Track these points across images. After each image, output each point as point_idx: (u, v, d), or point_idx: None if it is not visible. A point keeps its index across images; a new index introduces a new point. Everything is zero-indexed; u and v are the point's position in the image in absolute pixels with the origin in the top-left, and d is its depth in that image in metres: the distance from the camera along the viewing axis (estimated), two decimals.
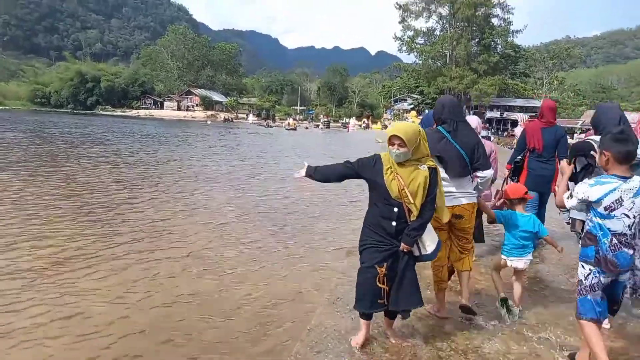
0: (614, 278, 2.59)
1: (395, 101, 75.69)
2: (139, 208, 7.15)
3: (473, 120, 4.49)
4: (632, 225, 2.50)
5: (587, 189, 2.55)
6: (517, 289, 3.55)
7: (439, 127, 3.31)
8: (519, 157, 5.23)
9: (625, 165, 2.50)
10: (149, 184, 9.58)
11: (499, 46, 56.70)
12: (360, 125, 53.76)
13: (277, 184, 10.31)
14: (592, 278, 2.56)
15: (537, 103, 56.82)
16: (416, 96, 66.83)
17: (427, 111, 14.24)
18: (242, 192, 9.19)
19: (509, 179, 5.32)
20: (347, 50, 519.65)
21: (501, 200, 4.07)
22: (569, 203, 2.69)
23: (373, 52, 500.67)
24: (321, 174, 3.01)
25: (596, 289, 2.55)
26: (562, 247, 3.61)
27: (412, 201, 2.67)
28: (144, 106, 76.68)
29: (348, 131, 46.84)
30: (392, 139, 2.68)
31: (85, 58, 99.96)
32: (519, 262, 3.49)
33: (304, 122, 63.00)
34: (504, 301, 3.46)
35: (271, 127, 46.56)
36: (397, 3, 56.35)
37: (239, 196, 8.75)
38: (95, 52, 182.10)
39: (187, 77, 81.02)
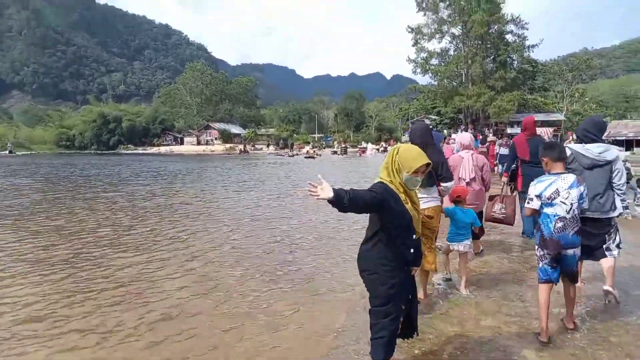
0: (560, 252, 3.42)
1: (413, 123, 75.17)
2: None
3: (466, 136, 5.77)
4: (570, 210, 3.35)
5: (532, 188, 3.50)
6: (462, 269, 4.60)
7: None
8: (513, 166, 6.42)
9: (559, 164, 3.46)
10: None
11: (515, 62, 55.78)
12: (377, 149, 53.24)
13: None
14: (540, 252, 3.51)
15: (559, 116, 55.44)
16: (434, 117, 66.10)
17: (445, 131, 15.87)
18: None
19: (507, 185, 6.41)
20: (363, 76, 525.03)
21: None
22: (531, 205, 3.51)
23: (389, 76, 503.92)
24: (354, 204, 2.34)
25: (545, 259, 3.48)
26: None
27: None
28: (164, 143, 78.14)
29: (360, 155, 46.39)
30: (421, 168, 2.62)
31: (108, 100, 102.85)
32: (459, 246, 4.58)
33: (325, 148, 62.99)
34: (448, 280, 4.79)
35: (292, 156, 46.50)
36: (409, 26, 56.49)
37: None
38: (119, 94, 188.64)
39: (206, 112, 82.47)
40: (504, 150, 14.23)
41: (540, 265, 3.51)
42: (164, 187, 16.53)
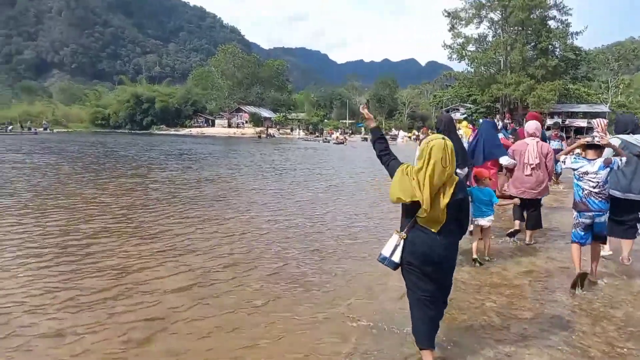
0: (591, 219, 4.36)
1: (447, 111, 73.12)
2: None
3: (532, 124, 6.19)
4: (596, 185, 4.27)
5: (569, 162, 4.47)
6: (486, 241, 5.31)
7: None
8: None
9: (590, 151, 4.36)
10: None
11: (558, 49, 53.33)
12: (410, 137, 51.99)
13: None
14: (576, 219, 4.46)
15: (603, 108, 52.77)
16: (469, 105, 64.21)
17: (480, 120, 14.21)
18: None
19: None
20: (397, 62, 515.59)
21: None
22: (567, 161, 4.51)
23: (423, 63, 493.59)
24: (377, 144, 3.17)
25: (578, 225, 4.43)
26: (517, 200, 5.68)
27: None
28: (196, 124, 78.75)
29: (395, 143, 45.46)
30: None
31: (141, 80, 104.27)
32: (482, 221, 5.17)
33: (355, 134, 62.14)
34: (476, 260, 5.09)
35: (326, 141, 46.00)
36: (445, 10, 54.66)
37: None
38: (153, 75, 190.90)
39: (237, 94, 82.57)
40: (554, 144, 11.22)
41: (574, 230, 4.49)
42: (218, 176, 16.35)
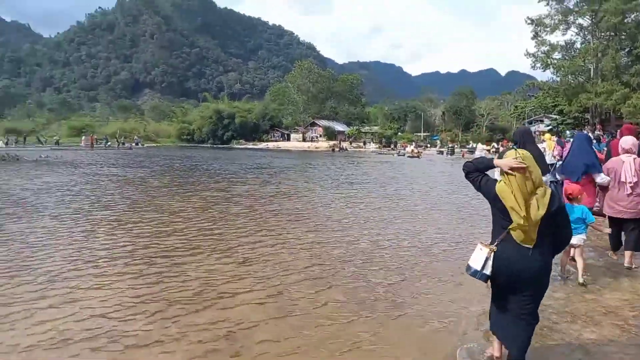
0: None
1: (530, 122, 69.38)
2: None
3: (628, 140, 5.74)
4: None
5: None
6: (579, 261, 4.95)
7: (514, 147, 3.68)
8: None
9: None
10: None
11: None
12: (489, 150, 49.94)
13: None
14: None
15: None
16: (554, 116, 60.40)
17: (567, 132, 13.50)
18: None
19: None
20: (475, 73, 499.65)
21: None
22: None
23: (503, 73, 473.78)
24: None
25: None
26: (608, 230, 5.61)
27: None
28: (272, 139, 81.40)
29: (462, 156, 43.81)
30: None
31: (223, 97, 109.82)
32: (574, 240, 4.66)
33: (432, 147, 60.87)
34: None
35: (401, 155, 45.39)
36: (528, 18, 52.16)
37: None
38: (234, 92, 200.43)
39: (312, 109, 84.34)
40: None
41: None
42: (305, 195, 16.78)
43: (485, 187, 2.85)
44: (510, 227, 2.68)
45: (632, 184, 5.42)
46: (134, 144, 61.43)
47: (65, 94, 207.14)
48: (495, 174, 3.02)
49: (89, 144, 54.91)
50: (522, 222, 2.60)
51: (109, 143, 58.17)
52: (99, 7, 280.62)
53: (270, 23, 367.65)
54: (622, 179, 5.48)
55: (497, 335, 3.02)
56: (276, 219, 9.06)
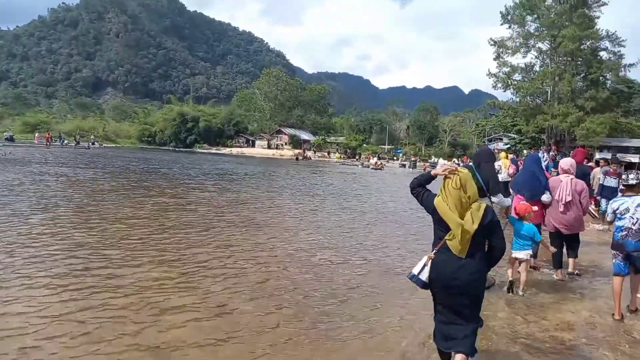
0: (629, 254, 4.51)
1: (490, 140, 71.54)
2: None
3: (567, 161, 6.33)
4: (636, 223, 4.45)
5: (612, 205, 4.76)
6: (523, 275, 5.29)
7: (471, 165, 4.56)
8: None
9: (630, 189, 4.70)
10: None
11: (609, 81, 51.19)
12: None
13: None
14: (613, 252, 4.67)
15: None
16: (513, 135, 62.48)
17: (525, 151, 14.00)
18: None
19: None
20: (440, 89, 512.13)
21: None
22: (609, 218, 4.95)
23: (467, 91, 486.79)
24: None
25: (617, 257, 4.61)
26: (553, 249, 5.92)
27: None
28: (237, 144, 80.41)
29: (424, 170, 44.51)
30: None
31: (188, 100, 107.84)
32: (519, 254, 5.25)
33: (394, 160, 61.57)
34: (512, 282, 5.33)
35: (366, 167, 45.62)
36: (491, 39, 53.81)
37: None
38: (200, 95, 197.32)
39: (279, 117, 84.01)
40: (610, 181, 10.61)
41: (614, 261, 4.67)
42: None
43: (427, 200, 3.08)
44: (445, 237, 2.88)
45: (564, 203, 5.89)
46: (90, 144, 59.16)
47: (22, 88, 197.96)
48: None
49: (44, 141, 52.46)
50: (457, 232, 2.79)
51: (65, 141, 55.78)
52: (63, 3, 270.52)
53: (241, 29, 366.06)
54: (557, 198, 5.95)
55: (441, 347, 3.08)
56: (231, 229, 8.73)
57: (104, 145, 64.33)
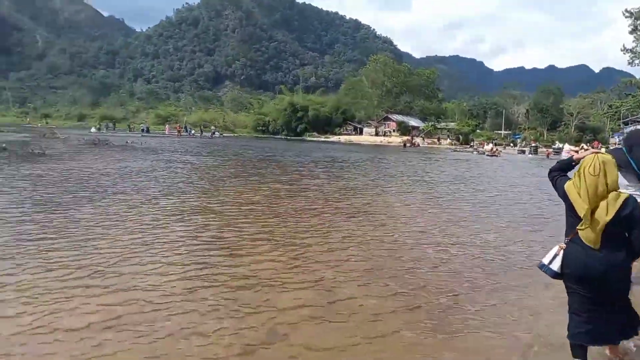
0: None
1: (626, 123, 63.43)
2: None
3: None
4: None
5: None
6: None
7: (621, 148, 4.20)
8: None
9: None
10: None
11: None
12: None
13: None
14: None
15: None
16: None
17: None
18: None
19: None
20: (564, 69, 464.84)
21: None
22: None
23: (597, 69, 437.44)
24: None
25: None
26: None
27: None
28: (344, 132, 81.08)
29: (547, 157, 40.63)
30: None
31: (298, 90, 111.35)
32: None
33: (511, 146, 57.62)
34: None
35: (481, 153, 43.28)
36: (626, 10, 47.57)
37: None
38: (309, 85, 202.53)
39: (386, 103, 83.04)
40: None
41: None
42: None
43: (559, 184, 2.94)
44: (577, 227, 2.73)
45: None
46: (212, 134, 64.06)
47: (154, 84, 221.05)
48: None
49: (174, 132, 58.13)
50: (586, 221, 2.65)
51: (193, 132, 61.38)
52: (186, 3, 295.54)
53: (347, 17, 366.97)
54: None
55: (582, 343, 2.89)
56: (341, 216, 8.78)
57: (223, 135, 69.25)
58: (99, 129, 61.69)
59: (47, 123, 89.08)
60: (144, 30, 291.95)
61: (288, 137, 77.12)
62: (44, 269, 4.78)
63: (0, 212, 7.52)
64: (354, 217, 8.63)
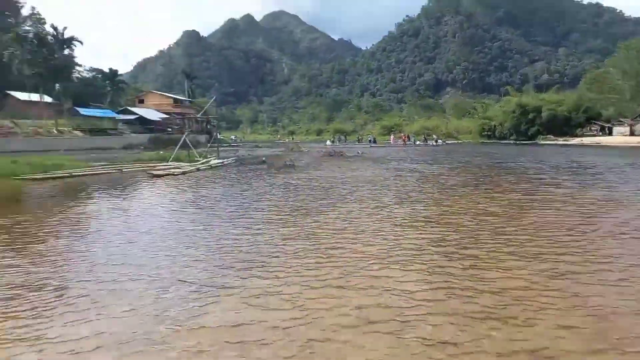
0: None
1: None
2: None
3: None
4: None
5: None
6: None
7: None
8: None
9: None
10: None
11: None
12: None
13: None
14: None
15: None
16: None
17: None
18: None
19: None
20: None
21: None
22: None
23: None
24: None
25: None
26: None
27: None
28: (588, 133, 70.64)
29: None
30: None
31: (527, 90, 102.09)
32: None
33: None
34: None
35: None
36: None
37: None
38: (540, 83, 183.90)
39: None
40: None
41: None
42: None
43: None
44: None
45: None
46: (434, 142, 64.18)
47: (378, 97, 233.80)
48: None
49: (399, 141, 60.62)
50: None
51: (417, 142, 63.08)
52: (407, 16, 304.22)
53: (585, 2, 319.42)
54: None
55: None
56: (607, 234, 7.71)
57: (446, 142, 68.60)
58: (332, 142, 68.52)
59: (292, 138, 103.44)
60: (368, 47, 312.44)
61: (517, 142, 71.50)
62: (301, 269, 5.64)
63: (265, 214, 9.16)
64: (623, 235, 7.46)
